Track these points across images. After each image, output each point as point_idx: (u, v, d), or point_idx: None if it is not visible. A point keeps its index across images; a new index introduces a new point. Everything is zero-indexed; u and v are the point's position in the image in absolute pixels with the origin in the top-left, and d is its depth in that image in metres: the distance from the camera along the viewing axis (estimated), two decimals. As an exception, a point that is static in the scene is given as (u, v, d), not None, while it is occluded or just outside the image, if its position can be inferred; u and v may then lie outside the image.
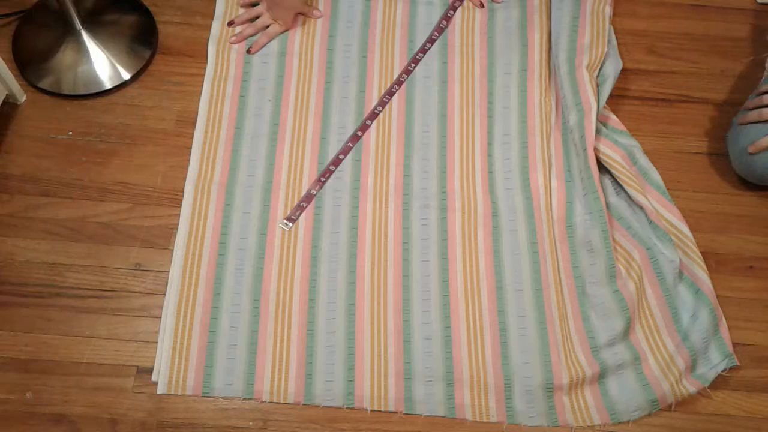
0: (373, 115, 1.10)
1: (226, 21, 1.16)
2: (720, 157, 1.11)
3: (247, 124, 1.08)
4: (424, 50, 1.16)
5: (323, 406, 0.92)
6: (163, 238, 1.00)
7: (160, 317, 0.95)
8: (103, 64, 1.10)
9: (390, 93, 1.12)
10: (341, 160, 1.07)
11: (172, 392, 0.91)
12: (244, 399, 0.92)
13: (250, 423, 0.91)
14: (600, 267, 0.99)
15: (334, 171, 1.06)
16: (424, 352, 0.95)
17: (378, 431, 0.91)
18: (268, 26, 1.14)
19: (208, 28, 1.16)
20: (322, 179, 1.05)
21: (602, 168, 1.06)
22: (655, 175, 1.07)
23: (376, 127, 1.10)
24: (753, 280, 1.02)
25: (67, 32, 1.11)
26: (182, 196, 1.03)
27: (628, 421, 0.93)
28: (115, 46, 1.12)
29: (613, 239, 1.02)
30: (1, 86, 1.02)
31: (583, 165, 1.04)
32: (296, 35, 1.16)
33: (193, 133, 1.07)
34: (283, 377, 0.93)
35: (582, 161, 1.04)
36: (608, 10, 1.14)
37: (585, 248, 1.01)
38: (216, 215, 1.01)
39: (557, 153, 1.09)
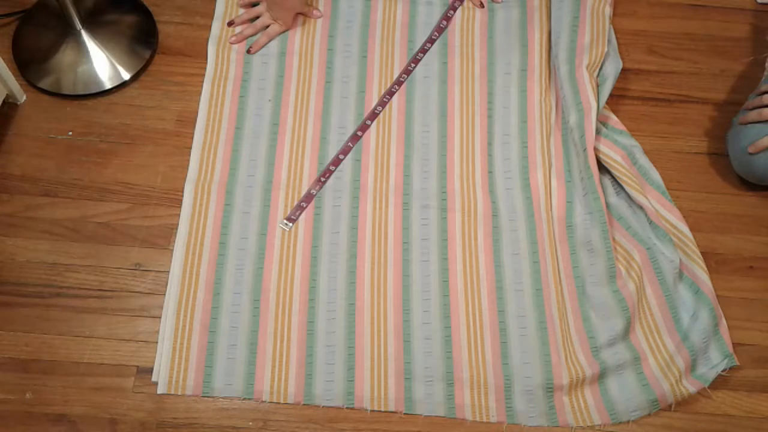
0: (373, 115, 1.10)
1: (226, 21, 1.16)
2: (720, 157, 1.11)
3: (247, 124, 1.08)
4: (424, 50, 1.16)
5: (323, 406, 0.92)
6: (163, 238, 1.00)
7: (160, 317, 0.95)
8: (103, 64, 1.11)
9: (390, 93, 1.12)
10: (341, 160, 1.07)
11: (172, 392, 0.91)
12: (244, 399, 0.92)
13: (250, 423, 0.91)
14: (600, 267, 0.99)
15: (334, 171, 1.06)
16: (424, 352, 0.95)
17: (378, 431, 0.91)
18: (268, 26, 1.14)
19: (208, 28, 1.16)
20: (322, 179, 1.05)
21: (602, 168, 1.06)
22: (655, 175, 1.07)
23: (376, 127, 1.10)
24: (753, 280, 1.02)
25: (67, 32, 1.11)
26: (182, 196, 1.03)
27: (628, 421, 0.93)
28: (115, 46, 1.12)
29: (613, 239, 1.02)
30: (1, 86, 1.02)
31: (583, 165, 1.04)
32: (296, 35, 1.16)
33: (193, 133, 1.07)
34: (283, 377, 0.93)
35: (582, 161, 1.04)
36: (608, 10, 1.14)
37: (585, 248, 1.01)
38: (216, 215, 1.02)
39: (557, 153, 1.09)
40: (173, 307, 0.95)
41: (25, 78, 1.10)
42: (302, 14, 1.17)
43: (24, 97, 1.09)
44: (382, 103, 1.11)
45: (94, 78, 1.10)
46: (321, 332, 0.95)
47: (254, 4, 1.16)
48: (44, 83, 1.09)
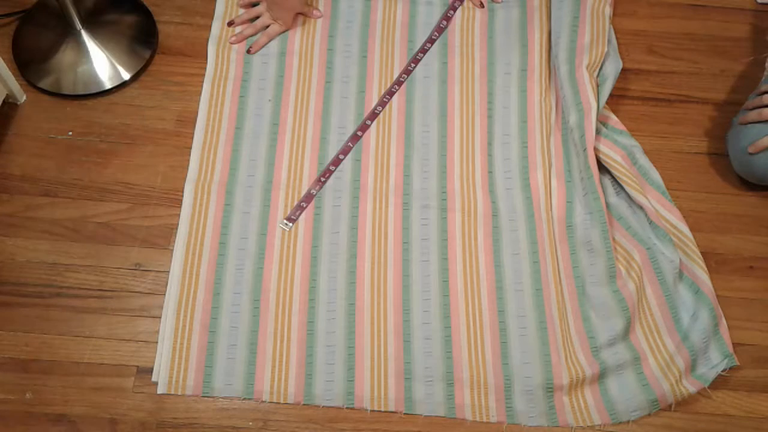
0: (373, 115, 1.10)
1: (226, 21, 1.16)
2: (720, 157, 1.11)
3: (247, 124, 1.08)
4: (424, 50, 1.16)
5: (323, 406, 0.92)
6: (163, 238, 1.00)
7: (160, 317, 0.95)
8: (103, 64, 1.11)
9: (390, 93, 1.12)
10: (341, 160, 1.07)
11: (172, 392, 0.91)
12: (244, 399, 0.92)
13: (250, 423, 0.91)
14: (600, 267, 0.99)
15: (334, 171, 1.06)
16: (424, 352, 0.95)
17: (378, 431, 0.91)
18: (268, 26, 1.14)
19: (208, 28, 1.16)
20: (322, 179, 1.05)
21: (602, 168, 1.06)
22: (655, 175, 1.07)
23: (376, 127, 1.10)
24: (753, 280, 1.02)
25: (67, 32, 1.11)
26: (182, 196, 1.03)
27: (628, 421, 0.93)
28: (115, 46, 1.12)
29: (613, 239, 1.02)
30: (1, 86, 1.02)
31: (583, 165, 1.04)
32: (296, 35, 1.16)
33: (193, 133, 1.07)
34: (283, 377, 0.93)
35: (582, 161, 1.04)
36: (608, 10, 1.14)
37: (585, 248, 1.01)
38: (216, 215, 1.02)
39: (557, 153, 1.09)
40: (173, 307, 0.95)
41: (25, 78, 1.10)
42: (302, 14, 1.17)
43: (24, 97, 1.09)
44: (382, 103, 1.11)
45: (94, 78, 1.10)
46: (321, 332, 0.95)
47: (254, 4, 1.16)
48: (44, 83, 1.09)
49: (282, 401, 0.92)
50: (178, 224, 1.01)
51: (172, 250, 0.99)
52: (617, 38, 1.19)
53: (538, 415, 0.92)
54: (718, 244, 1.05)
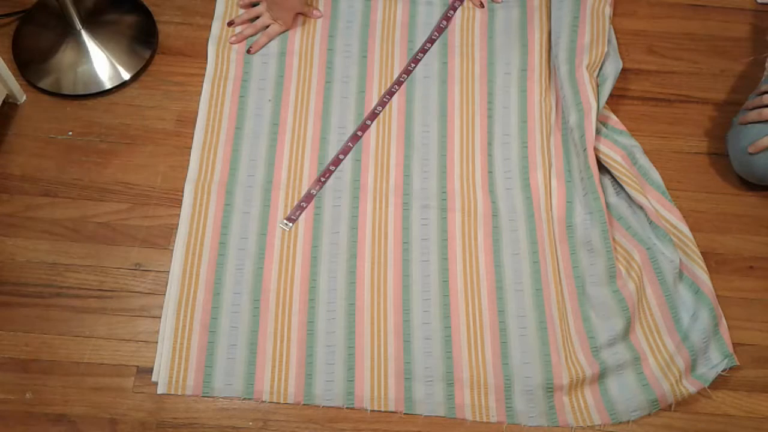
0: (373, 115, 1.10)
1: (226, 21, 1.16)
2: (720, 157, 1.11)
3: (247, 124, 1.08)
4: (424, 50, 1.16)
5: (323, 406, 0.92)
6: (163, 238, 1.00)
7: (160, 317, 0.95)
8: (103, 64, 1.11)
9: (390, 93, 1.12)
10: (341, 160, 1.07)
11: (172, 392, 0.91)
12: (244, 399, 0.92)
13: (250, 423, 0.91)
14: (600, 267, 0.99)
15: (334, 171, 1.06)
16: (424, 352, 0.95)
17: (378, 431, 0.91)
18: (268, 26, 1.14)
19: (208, 28, 1.16)
20: (322, 179, 1.05)
21: (602, 168, 1.06)
22: (655, 175, 1.07)
23: (376, 127, 1.10)
24: (753, 280, 1.02)
25: (67, 32, 1.11)
26: (182, 196, 1.03)
27: (628, 421, 0.93)
28: (115, 46, 1.12)
29: (613, 239, 1.02)
30: (1, 86, 1.02)
31: (583, 165, 1.04)
32: (296, 35, 1.16)
33: (193, 133, 1.07)
34: (283, 377, 0.93)
35: (582, 161, 1.04)
36: (608, 10, 1.14)
37: (585, 248, 1.01)
38: (216, 215, 1.02)
39: (557, 153, 1.09)
40: (173, 307, 0.95)
41: (25, 78, 1.10)
42: (302, 14, 1.17)
43: (24, 97, 1.09)
44: (382, 103, 1.11)
45: (94, 78, 1.10)
46: (321, 332, 0.95)
47: (254, 4, 1.16)
48: (44, 83, 1.09)
49: (282, 401, 0.92)
50: (178, 224, 1.01)
51: (172, 250, 0.99)
52: (617, 38, 1.19)
53: (538, 415, 0.92)
54: (718, 244, 1.05)
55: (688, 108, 1.15)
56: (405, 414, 0.92)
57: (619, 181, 1.04)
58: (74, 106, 1.09)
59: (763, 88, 1.05)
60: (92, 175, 1.04)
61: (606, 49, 1.10)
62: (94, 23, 1.13)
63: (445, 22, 1.18)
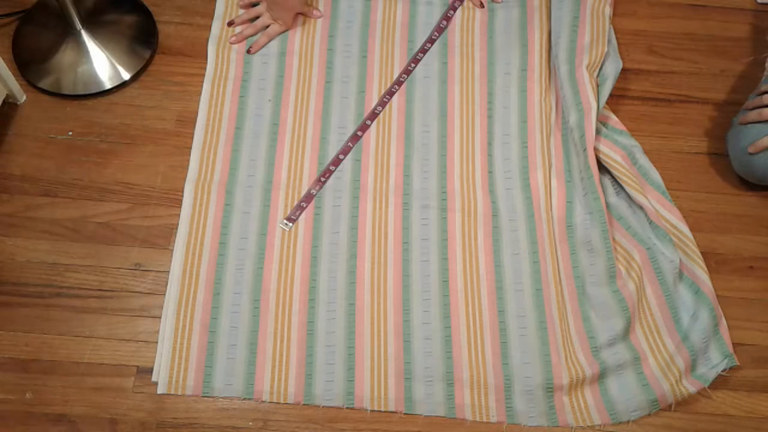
0: (373, 115, 1.10)
1: (226, 21, 1.16)
2: (720, 157, 1.11)
3: (247, 124, 1.08)
4: (424, 50, 1.16)
5: (323, 406, 0.92)
6: (163, 238, 1.00)
7: (160, 317, 0.95)
8: (103, 64, 1.11)
9: (390, 93, 1.12)
10: (341, 160, 1.07)
11: (172, 392, 0.91)
12: (244, 399, 0.92)
13: (250, 423, 0.91)
14: (600, 267, 0.99)
15: (334, 171, 1.06)
16: (424, 352, 0.95)
17: (378, 431, 0.91)
18: (268, 26, 1.14)
19: (208, 28, 1.16)
20: (322, 179, 1.05)
21: (602, 168, 1.06)
22: (655, 175, 1.07)
23: (376, 127, 1.10)
24: (753, 280, 1.02)
25: (67, 32, 1.11)
26: (182, 196, 1.03)
27: (628, 421, 0.93)
28: (115, 46, 1.12)
29: (613, 239, 1.02)
30: (1, 86, 1.02)
31: (583, 165, 1.04)
32: (296, 35, 1.16)
33: (193, 133, 1.07)
34: (283, 377, 0.93)
35: (582, 161, 1.04)
36: (608, 10, 1.14)
37: (585, 248, 1.01)
38: (216, 215, 1.02)
39: (557, 153, 1.09)
40: (173, 307, 0.95)
41: (25, 78, 1.10)
42: (302, 14, 1.17)
43: (24, 97, 1.09)
44: (382, 103, 1.11)
45: (94, 78, 1.10)
46: (321, 332, 0.95)
47: (254, 4, 1.16)
48: (44, 83, 1.09)
49: (282, 401, 0.92)
50: (178, 224, 1.01)
51: (172, 250, 0.99)
52: (617, 38, 1.19)
53: (538, 415, 0.92)
54: (718, 244, 1.05)
55: (688, 108, 1.15)
56: (405, 414, 0.92)
57: (619, 181, 1.04)
58: (74, 106, 1.09)
59: (763, 88, 1.05)
60: (92, 175, 1.04)
61: (606, 49, 1.10)
62: (94, 23, 1.13)
63: (445, 22, 1.18)
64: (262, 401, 0.92)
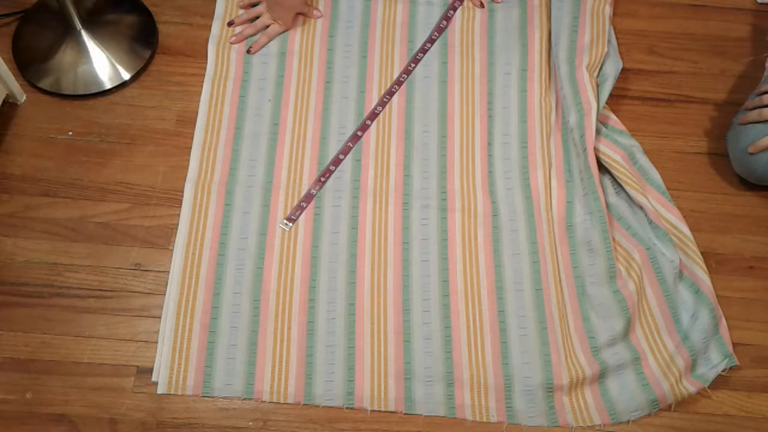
0: (373, 115, 1.10)
1: (226, 21, 1.16)
2: (720, 157, 1.11)
3: (247, 124, 1.08)
4: (424, 50, 1.16)
5: (323, 406, 0.92)
6: (163, 238, 1.00)
7: (160, 317, 0.95)
8: (103, 64, 1.11)
9: (390, 93, 1.12)
10: (341, 160, 1.07)
11: (172, 392, 0.91)
12: (244, 399, 0.92)
13: (250, 423, 0.91)
14: (600, 267, 0.99)
15: (334, 171, 1.06)
16: (424, 352, 0.95)
17: (378, 431, 0.91)
18: (268, 26, 1.14)
19: (208, 28, 1.16)
20: (322, 179, 1.05)
21: (602, 168, 1.06)
22: (655, 175, 1.07)
23: (376, 127, 1.10)
24: (753, 280, 1.02)
25: (67, 32, 1.11)
26: (182, 196, 1.03)
27: (628, 421, 0.93)
28: (115, 46, 1.12)
29: (613, 239, 1.02)
30: (1, 86, 1.02)
31: (583, 165, 1.04)
32: (296, 35, 1.16)
33: (193, 133, 1.07)
34: (283, 377, 0.93)
35: (582, 161, 1.04)
36: (608, 10, 1.14)
37: (585, 248, 1.01)
38: (216, 215, 1.02)
39: (557, 153, 1.09)
40: (173, 307, 0.95)
41: (25, 78, 1.10)
42: (302, 14, 1.17)
43: (24, 97, 1.09)
44: (382, 103, 1.11)
45: (94, 78, 1.10)
46: (321, 332, 0.95)
47: (254, 4, 1.16)
48: (44, 83, 1.09)
49: (282, 401, 0.92)
50: (178, 224, 1.01)
51: (172, 250, 0.99)
52: (617, 38, 1.19)
53: (538, 415, 0.92)
54: (718, 244, 1.05)
55: (688, 108, 1.15)
56: (405, 414, 0.92)
57: (619, 181, 1.04)
58: (74, 106, 1.09)
59: (763, 88, 1.05)
60: (92, 175, 1.04)
61: (606, 49, 1.10)
62: (94, 23, 1.13)
63: (445, 22, 1.18)
64: (262, 401, 0.92)
